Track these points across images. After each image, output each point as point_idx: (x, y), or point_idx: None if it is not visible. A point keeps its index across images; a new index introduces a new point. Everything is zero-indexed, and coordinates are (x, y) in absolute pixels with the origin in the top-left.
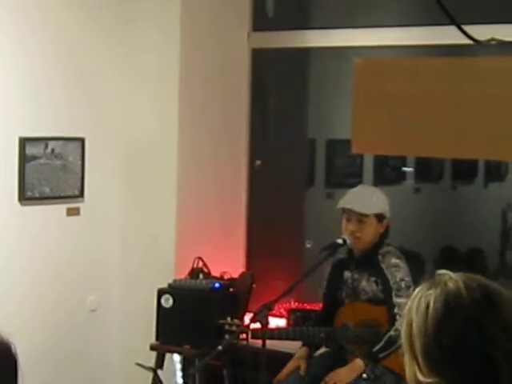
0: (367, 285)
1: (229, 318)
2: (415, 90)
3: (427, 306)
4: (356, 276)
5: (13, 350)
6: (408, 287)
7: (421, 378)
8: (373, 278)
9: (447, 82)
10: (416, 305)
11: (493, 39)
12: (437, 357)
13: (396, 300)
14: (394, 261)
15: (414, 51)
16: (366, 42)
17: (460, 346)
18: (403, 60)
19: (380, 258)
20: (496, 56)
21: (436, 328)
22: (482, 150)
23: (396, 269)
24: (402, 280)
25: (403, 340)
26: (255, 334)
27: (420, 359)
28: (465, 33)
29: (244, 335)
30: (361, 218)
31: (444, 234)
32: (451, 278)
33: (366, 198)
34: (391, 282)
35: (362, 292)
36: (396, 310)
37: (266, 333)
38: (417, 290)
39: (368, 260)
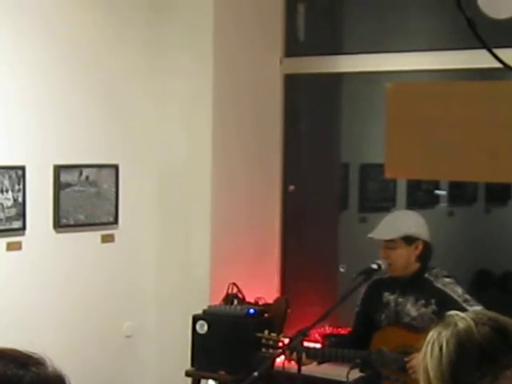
0: (412, 308)
1: (266, 332)
2: (448, 114)
3: (440, 349)
4: (400, 299)
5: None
6: (472, 299)
7: None
8: (422, 301)
9: (480, 105)
10: (430, 349)
11: None
12: None
13: (472, 308)
14: (447, 280)
15: (446, 75)
16: (397, 66)
17: (477, 381)
18: (435, 84)
19: (432, 278)
20: None
21: (452, 370)
22: None
23: (453, 285)
24: (464, 293)
25: None
26: (291, 348)
27: None
28: (496, 57)
29: (280, 351)
30: (387, 244)
31: (478, 257)
32: (461, 318)
33: (391, 223)
34: (455, 296)
35: (406, 315)
36: None
37: (301, 349)
38: (429, 334)
39: (416, 283)
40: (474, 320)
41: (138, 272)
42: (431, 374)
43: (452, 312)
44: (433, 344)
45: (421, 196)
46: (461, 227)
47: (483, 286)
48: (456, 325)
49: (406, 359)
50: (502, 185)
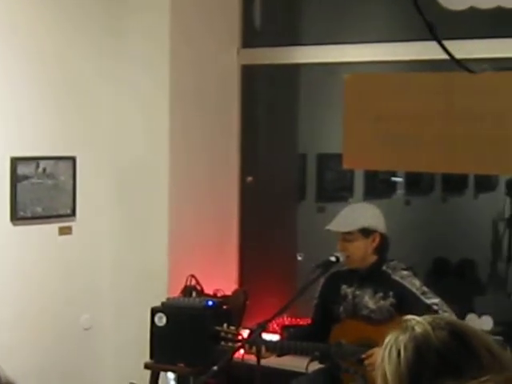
0: (370, 300)
1: (225, 325)
2: (405, 105)
3: (398, 354)
4: (358, 292)
5: None
6: (430, 291)
7: None
8: (380, 294)
9: (437, 96)
10: (388, 354)
11: (486, 68)
12: None
13: (429, 301)
14: (405, 272)
15: (403, 66)
16: (355, 57)
17: None
18: (393, 75)
19: (390, 271)
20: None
21: (409, 373)
22: (472, 165)
23: (411, 278)
24: (422, 286)
25: None
26: (250, 342)
27: None
28: (460, 64)
29: (239, 344)
30: (345, 236)
31: (435, 246)
32: (418, 322)
33: (349, 216)
34: (413, 289)
35: (364, 308)
36: (436, 308)
37: (260, 342)
38: (387, 338)
39: (374, 275)
40: (431, 324)
41: (96, 264)
42: (389, 378)
43: (409, 316)
44: (390, 348)
45: (378, 185)
46: (418, 216)
47: (441, 274)
48: (413, 329)
49: (364, 356)
50: (459, 174)
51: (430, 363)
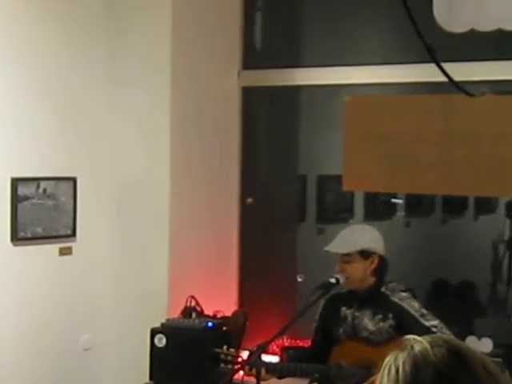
0: (369, 322)
1: (225, 347)
2: (406, 126)
3: (397, 372)
4: (357, 314)
5: None
6: (429, 313)
7: None
8: (379, 316)
9: (436, 118)
10: (387, 373)
11: (485, 91)
12: None
13: (428, 323)
14: (404, 294)
15: (403, 88)
16: (356, 79)
17: None
18: (393, 97)
19: (389, 293)
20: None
21: None
22: (472, 187)
23: (410, 300)
24: (421, 308)
25: None
26: (250, 364)
27: None
28: (458, 87)
29: (238, 366)
30: (344, 258)
31: (435, 268)
32: (417, 341)
33: (348, 238)
34: (412, 311)
35: (363, 330)
36: (435, 330)
37: (260, 364)
38: (386, 358)
39: (373, 297)
40: (430, 343)
41: (96, 285)
42: None
43: (409, 336)
44: (390, 367)
45: (378, 207)
46: (418, 238)
47: (440, 295)
48: (412, 347)
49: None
50: (459, 196)
51: (427, 380)
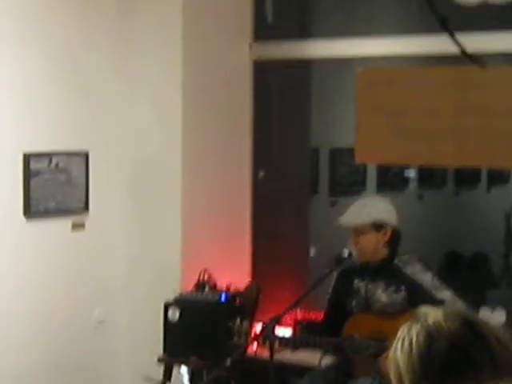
0: (383, 294)
1: (238, 320)
2: (417, 99)
3: (410, 343)
4: (370, 286)
5: None
6: (441, 284)
7: None
8: (392, 287)
9: (449, 90)
10: (400, 345)
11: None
12: None
13: (440, 295)
14: (417, 267)
15: (415, 60)
16: (368, 51)
17: (446, 373)
18: (404, 69)
19: (401, 265)
20: (498, 65)
21: (421, 361)
22: (485, 159)
23: (423, 272)
24: (433, 279)
25: (393, 382)
26: (264, 337)
27: None
28: (471, 58)
29: (252, 339)
30: (357, 230)
31: (448, 240)
32: (430, 313)
33: (361, 210)
34: (424, 283)
35: (376, 302)
36: (448, 302)
37: (274, 338)
38: (400, 330)
39: (386, 269)
40: (444, 315)
41: (109, 259)
42: (402, 367)
43: (422, 307)
44: (403, 339)
45: (391, 180)
46: (431, 210)
47: (453, 267)
48: (426, 319)
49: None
50: (471, 168)
51: (441, 351)
